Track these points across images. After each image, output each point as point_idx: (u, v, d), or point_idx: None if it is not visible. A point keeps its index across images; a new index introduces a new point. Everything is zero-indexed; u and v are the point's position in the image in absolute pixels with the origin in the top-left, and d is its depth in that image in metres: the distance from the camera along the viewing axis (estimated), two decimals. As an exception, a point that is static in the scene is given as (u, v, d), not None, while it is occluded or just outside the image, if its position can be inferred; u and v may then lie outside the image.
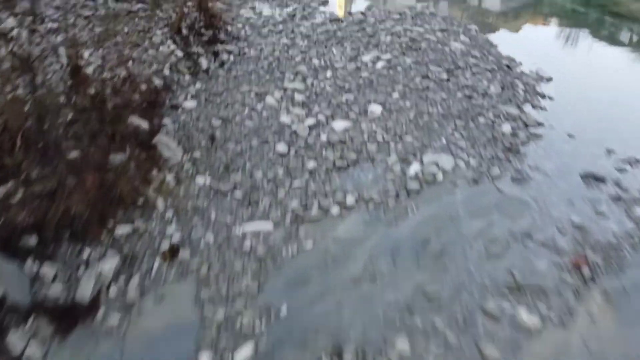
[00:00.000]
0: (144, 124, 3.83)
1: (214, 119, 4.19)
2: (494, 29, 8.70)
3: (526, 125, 4.33)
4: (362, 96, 4.72)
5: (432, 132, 4.14)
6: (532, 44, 6.78)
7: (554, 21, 9.29)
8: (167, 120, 4.06)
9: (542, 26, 8.99)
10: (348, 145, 3.96)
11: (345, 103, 4.59)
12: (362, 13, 6.84)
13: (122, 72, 4.31)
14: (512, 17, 9.85)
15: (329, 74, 5.13)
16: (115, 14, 5.34)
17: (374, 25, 6.32)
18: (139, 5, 5.60)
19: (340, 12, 9.20)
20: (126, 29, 5.04)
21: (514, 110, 4.51)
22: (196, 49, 5.27)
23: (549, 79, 5.32)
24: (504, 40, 6.29)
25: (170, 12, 5.73)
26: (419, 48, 5.59)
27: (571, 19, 9.57)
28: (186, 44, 5.25)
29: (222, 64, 5.21)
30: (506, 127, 4.25)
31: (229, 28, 6.15)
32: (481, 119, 4.35)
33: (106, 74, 4.21)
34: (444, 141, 4.03)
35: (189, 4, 6.15)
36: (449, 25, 6.50)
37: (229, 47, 5.54)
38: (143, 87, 4.27)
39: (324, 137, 4.05)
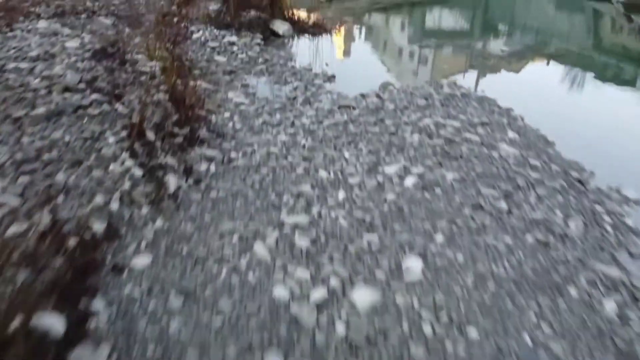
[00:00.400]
0: (58, 324, 2.41)
1: (172, 294, 2.78)
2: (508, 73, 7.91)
3: (635, 300, 2.94)
4: (391, 237, 3.34)
5: (506, 320, 2.73)
6: (587, 129, 5.51)
7: (573, 69, 8.55)
8: (99, 303, 2.64)
9: (558, 74, 8.22)
10: (380, 350, 2.54)
11: (368, 251, 3.21)
12: (378, 95, 5.57)
13: (45, 219, 2.95)
14: (516, 60, 9.35)
15: (341, 195, 3.78)
16: (59, 111, 4.03)
17: (395, 116, 5.02)
18: (94, 97, 4.30)
19: (339, 54, 8.16)
20: (67, 137, 3.71)
21: (611, 270, 3.11)
22: (164, 159, 3.92)
23: (638, 202, 3.97)
24: (558, 135, 4.98)
25: (135, 103, 4.43)
26: (460, 155, 4.26)
27: (589, 67, 8.98)
28: (150, 154, 3.90)
29: (197, 181, 3.85)
30: (610, 306, 2.84)
31: (214, 118, 4.87)
32: (572, 290, 2.95)
33: (18, 226, 2.84)
34: (528, 341, 2.60)
35: (162, 87, 4.90)
36: (489, 114, 5.22)
37: (209, 151, 4.21)
38: (72, 241, 2.89)
39: (340, 329, 2.64)
